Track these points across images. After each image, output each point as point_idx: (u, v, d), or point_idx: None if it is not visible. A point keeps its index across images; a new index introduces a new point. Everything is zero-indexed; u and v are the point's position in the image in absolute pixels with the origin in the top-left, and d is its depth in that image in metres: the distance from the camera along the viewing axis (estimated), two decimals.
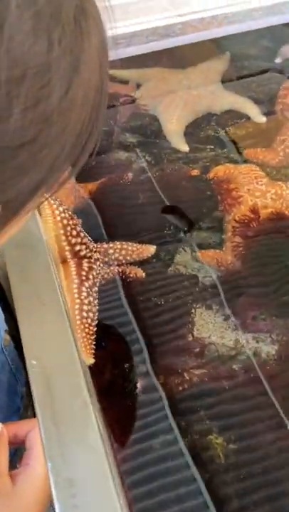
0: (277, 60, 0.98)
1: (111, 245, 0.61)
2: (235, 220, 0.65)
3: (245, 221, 0.65)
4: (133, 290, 0.61)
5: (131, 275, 0.62)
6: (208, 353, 0.59)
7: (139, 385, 0.51)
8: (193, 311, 0.62)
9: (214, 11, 0.70)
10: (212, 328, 0.62)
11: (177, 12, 0.69)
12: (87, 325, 0.48)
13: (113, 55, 0.66)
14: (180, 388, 0.55)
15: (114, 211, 0.67)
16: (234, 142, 0.83)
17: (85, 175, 0.76)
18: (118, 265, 0.62)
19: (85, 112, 0.25)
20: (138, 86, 0.89)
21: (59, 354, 0.42)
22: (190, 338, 0.60)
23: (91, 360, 0.47)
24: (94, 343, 0.48)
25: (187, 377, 0.56)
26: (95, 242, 0.62)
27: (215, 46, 0.97)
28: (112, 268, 0.61)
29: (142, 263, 0.63)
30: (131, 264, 0.63)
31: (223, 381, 0.55)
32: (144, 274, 0.62)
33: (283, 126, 0.83)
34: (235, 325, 0.63)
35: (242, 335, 0.62)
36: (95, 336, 0.48)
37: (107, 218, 0.66)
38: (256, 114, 0.85)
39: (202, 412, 0.53)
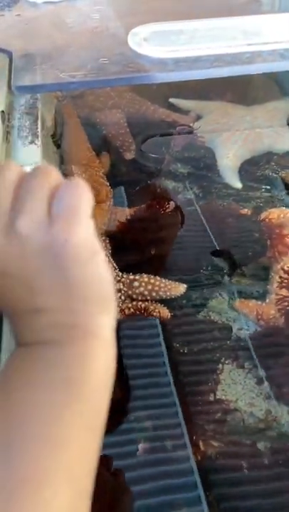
0: None
1: (137, 277, 0.54)
2: (283, 270, 0.57)
3: None
4: (154, 331, 0.53)
5: (154, 314, 0.54)
6: (231, 421, 0.50)
7: (140, 447, 0.43)
8: (220, 366, 0.53)
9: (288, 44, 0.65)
10: (241, 391, 0.53)
11: (249, 41, 0.64)
12: None
13: (173, 76, 0.62)
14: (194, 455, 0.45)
15: (148, 241, 0.61)
16: None
17: (126, 199, 0.71)
18: (142, 301, 0.55)
19: None
20: (198, 117, 0.85)
21: None
22: (212, 399, 0.51)
23: None
24: None
25: (202, 448, 0.46)
26: (121, 271, 0.55)
27: (279, 87, 0.92)
28: (134, 303, 0.54)
29: (169, 302, 0.56)
30: (157, 301, 0.55)
31: (243, 461, 0.45)
32: (169, 315, 0.55)
33: None
34: (269, 392, 0.53)
35: (276, 406, 0.52)
36: None
37: (138, 248, 0.60)
38: None
39: (212, 492, 0.43)
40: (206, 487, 0.43)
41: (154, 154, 0.78)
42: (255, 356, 0.56)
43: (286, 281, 0.56)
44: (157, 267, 0.61)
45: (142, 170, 0.75)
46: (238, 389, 0.53)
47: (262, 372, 0.55)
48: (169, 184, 0.74)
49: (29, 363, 0.27)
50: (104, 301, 0.29)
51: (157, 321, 0.53)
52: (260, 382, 0.54)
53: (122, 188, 0.72)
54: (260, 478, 0.45)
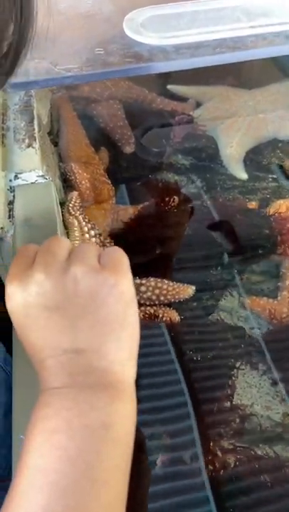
0: None
1: (144, 282, 0.52)
2: None
3: None
4: (164, 337, 0.51)
5: (164, 319, 0.52)
6: (248, 426, 0.49)
7: (159, 460, 0.42)
8: (235, 370, 0.52)
9: None
10: (256, 394, 0.52)
11: (252, 23, 0.61)
12: None
13: (175, 65, 0.59)
14: (209, 468, 0.44)
15: (154, 240, 0.58)
16: None
17: (128, 196, 0.69)
18: (150, 305, 0.53)
19: None
20: (198, 104, 0.81)
21: None
22: (228, 404, 0.50)
23: None
24: None
25: (219, 456, 0.45)
26: None
27: (286, 68, 0.88)
28: (142, 308, 0.52)
29: (179, 305, 0.54)
30: (165, 305, 0.54)
31: (260, 467, 0.44)
32: (178, 318, 0.53)
33: None
34: (285, 394, 0.52)
35: None
36: None
37: (144, 248, 0.58)
38: None
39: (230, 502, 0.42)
40: (224, 498, 0.42)
41: (154, 147, 0.75)
42: (268, 357, 0.54)
43: None
44: (165, 266, 0.59)
45: (143, 164, 0.72)
46: (254, 392, 0.52)
47: (276, 374, 0.53)
48: (172, 178, 0.72)
49: (63, 408, 0.28)
50: (133, 348, 0.31)
51: (164, 328, 0.51)
52: (275, 383, 0.53)
53: (124, 184, 0.70)
54: (280, 484, 0.44)
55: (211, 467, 0.43)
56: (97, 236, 0.49)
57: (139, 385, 0.47)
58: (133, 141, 0.72)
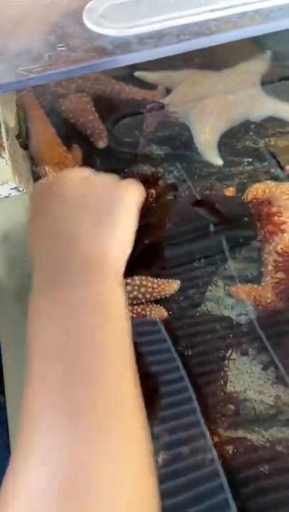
0: None
1: (128, 281, 0.52)
2: (277, 253, 0.56)
3: None
4: (153, 334, 0.52)
5: (152, 316, 0.53)
6: (243, 412, 0.50)
7: (160, 458, 0.43)
8: (226, 361, 0.53)
9: (258, 5, 0.60)
10: (248, 379, 0.53)
11: (213, 6, 0.59)
12: None
13: (139, 57, 0.57)
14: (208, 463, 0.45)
15: (139, 233, 0.58)
16: (275, 155, 0.72)
17: None
18: (138, 304, 0.53)
19: None
20: (167, 91, 0.80)
21: None
22: (222, 394, 0.51)
23: None
24: None
25: (220, 447, 0.46)
26: None
27: (253, 44, 0.87)
28: (130, 308, 0.52)
29: (166, 301, 0.55)
30: (152, 302, 0.54)
31: (259, 454, 0.45)
32: (165, 314, 0.53)
33: None
34: (276, 376, 0.53)
35: (284, 389, 0.52)
36: None
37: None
38: None
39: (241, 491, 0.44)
40: (235, 486, 0.43)
41: (127, 138, 0.74)
42: (257, 342, 0.55)
43: (281, 264, 0.55)
44: (157, 255, 0.59)
45: (118, 157, 0.71)
46: (246, 377, 0.53)
47: (266, 357, 0.54)
48: (148, 170, 0.71)
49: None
50: (126, 248, 0.39)
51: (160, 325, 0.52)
52: (265, 367, 0.54)
53: None
54: (281, 466, 0.46)
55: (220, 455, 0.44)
56: None
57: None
58: (105, 134, 0.71)
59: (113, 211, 0.38)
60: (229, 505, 0.40)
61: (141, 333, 0.52)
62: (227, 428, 0.47)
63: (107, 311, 0.32)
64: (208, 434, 0.46)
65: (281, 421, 0.50)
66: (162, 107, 0.77)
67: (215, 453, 0.45)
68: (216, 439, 0.46)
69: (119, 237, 0.38)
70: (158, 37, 0.59)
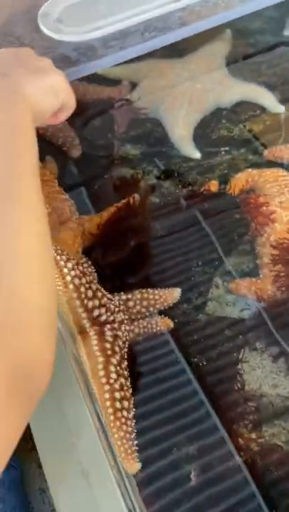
0: (287, 32, 0.85)
1: (129, 296, 0.52)
2: (272, 246, 0.56)
3: (284, 245, 0.55)
4: (164, 347, 0.52)
5: (158, 328, 0.52)
6: (262, 408, 0.51)
7: (192, 475, 0.43)
8: (240, 364, 0.53)
9: None
10: (261, 374, 0.54)
11: None
12: (123, 420, 0.39)
13: (106, 63, 0.55)
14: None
15: (130, 249, 0.57)
16: (251, 141, 0.72)
17: (89, 201, 0.66)
18: (142, 318, 0.52)
19: None
20: (133, 85, 0.77)
21: None
22: (239, 396, 0.51)
23: (136, 467, 0.38)
24: (135, 442, 0.39)
25: (248, 451, 0.47)
26: (111, 292, 0.52)
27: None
28: (135, 323, 0.51)
29: (171, 309, 0.54)
30: (156, 313, 0.53)
31: (282, 449, 0.47)
32: (172, 324, 0.53)
33: None
34: (288, 367, 0.54)
35: None
36: (135, 431, 0.40)
37: (122, 260, 0.57)
38: (272, 104, 0.74)
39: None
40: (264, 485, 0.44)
41: (100, 141, 0.72)
42: (263, 335, 0.56)
43: (278, 257, 0.55)
44: (146, 256, 0.58)
45: (95, 163, 0.69)
46: (258, 373, 0.54)
47: (274, 349, 0.55)
48: (127, 172, 0.69)
49: None
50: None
51: (169, 337, 0.52)
52: (275, 359, 0.55)
53: (81, 188, 0.67)
54: None
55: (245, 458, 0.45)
56: (76, 268, 0.47)
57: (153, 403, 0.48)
58: (78, 142, 0.68)
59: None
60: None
61: (149, 349, 0.51)
62: (251, 429, 0.48)
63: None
64: (228, 439, 0.47)
65: None
66: (130, 104, 0.75)
67: (238, 458, 0.45)
68: (241, 441, 0.47)
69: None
70: (123, 37, 0.56)
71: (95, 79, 0.78)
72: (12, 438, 0.27)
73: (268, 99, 0.74)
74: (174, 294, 0.53)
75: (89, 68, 0.54)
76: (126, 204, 0.62)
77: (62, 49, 0.55)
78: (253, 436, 0.48)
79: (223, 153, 0.71)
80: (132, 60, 0.82)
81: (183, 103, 0.73)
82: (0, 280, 0.27)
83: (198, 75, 0.77)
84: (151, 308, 0.52)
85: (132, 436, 0.39)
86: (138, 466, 0.38)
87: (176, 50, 0.82)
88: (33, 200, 0.32)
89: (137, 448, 0.39)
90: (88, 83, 0.76)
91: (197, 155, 0.70)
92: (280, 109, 0.74)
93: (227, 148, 0.71)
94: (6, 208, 0.30)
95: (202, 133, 0.72)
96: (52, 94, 0.44)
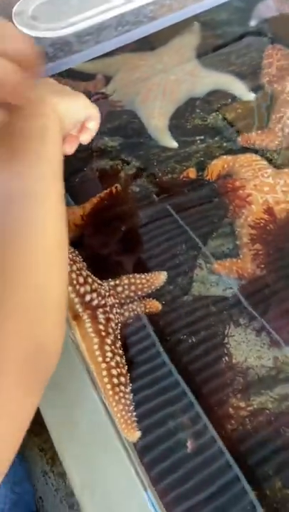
0: (252, 23, 0.88)
1: (118, 282, 0.54)
2: (250, 226, 0.59)
3: (261, 225, 0.59)
4: (154, 327, 0.54)
5: (147, 310, 0.55)
6: (250, 379, 0.54)
7: (189, 444, 0.46)
8: (226, 339, 0.56)
9: None
10: (246, 348, 0.57)
11: None
12: (121, 394, 0.42)
13: (82, 57, 0.56)
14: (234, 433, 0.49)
15: (116, 238, 0.59)
16: (225, 128, 0.75)
17: (70, 195, 0.68)
18: (131, 302, 0.55)
19: None
20: (107, 79, 0.79)
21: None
22: (227, 368, 0.54)
23: (136, 435, 0.40)
24: (134, 413, 0.42)
25: (238, 418, 0.50)
26: (100, 279, 0.54)
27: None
28: (125, 307, 0.54)
29: (158, 292, 0.57)
30: (145, 297, 0.56)
31: (270, 413, 0.50)
32: (160, 306, 0.56)
33: (275, 102, 0.75)
34: (271, 340, 0.57)
35: (279, 351, 0.57)
36: (133, 403, 0.42)
37: (108, 247, 0.59)
38: (243, 92, 0.77)
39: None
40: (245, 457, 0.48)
41: None
42: (246, 310, 0.59)
43: (255, 236, 0.58)
44: (136, 240, 0.60)
45: (75, 157, 0.70)
46: (244, 347, 0.57)
47: (257, 323, 0.59)
48: (106, 164, 0.71)
49: None
50: None
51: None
52: (258, 333, 0.58)
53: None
54: None
55: (224, 431, 0.48)
56: None
57: (138, 384, 0.50)
58: None
59: None
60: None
61: (141, 328, 0.54)
62: (240, 398, 0.51)
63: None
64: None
65: (282, 379, 0.55)
66: (106, 97, 0.77)
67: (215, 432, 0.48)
68: (231, 410, 0.50)
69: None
70: (97, 32, 0.58)
71: (69, 74, 0.79)
72: (25, 418, 0.28)
73: (239, 88, 0.77)
74: (161, 277, 0.56)
75: (66, 63, 0.56)
76: (109, 194, 0.64)
77: (38, 45, 0.56)
78: (243, 404, 0.51)
79: (198, 141, 0.73)
80: (105, 55, 0.84)
81: (157, 95, 0.75)
82: (27, 273, 0.29)
83: (170, 67, 0.79)
84: (139, 292, 0.55)
85: (131, 408, 0.41)
86: (138, 434, 0.41)
87: (147, 43, 0.84)
88: (55, 200, 0.34)
89: (136, 419, 0.41)
90: (62, 78, 0.78)
91: (174, 144, 0.72)
92: (251, 96, 0.77)
93: (202, 137, 0.74)
94: (32, 208, 0.31)
95: (177, 123, 0.75)
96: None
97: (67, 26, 0.57)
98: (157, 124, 0.73)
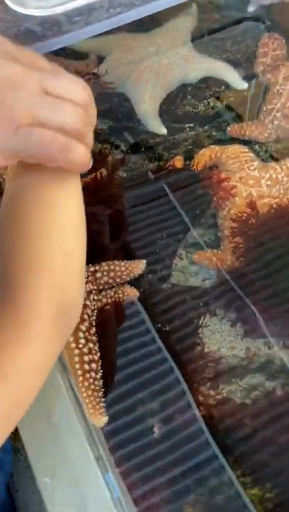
0: (250, 9, 0.86)
1: (97, 268, 0.54)
2: (232, 220, 0.59)
3: (243, 218, 0.59)
4: (131, 314, 0.55)
5: (124, 297, 0.56)
6: (221, 368, 0.56)
7: (155, 428, 0.47)
8: (197, 323, 0.57)
9: None
10: (220, 338, 0.58)
11: None
12: (91, 380, 0.43)
13: (72, 38, 0.55)
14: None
15: (97, 224, 0.60)
16: (215, 117, 0.74)
17: None
18: (109, 288, 0.56)
19: None
20: (100, 59, 0.78)
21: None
22: (199, 357, 0.56)
23: (103, 420, 0.42)
24: (102, 399, 0.43)
25: (206, 406, 0.52)
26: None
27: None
28: (103, 293, 0.54)
29: (137, 280, 0.57)
30: (123, 283, 0.57)
31: (242, 400, 0.52)
32: (137, 293, 0.56)
33: (268, 93, 0.74)
34: (245, 331, 0.59)
35: (252, 341, 0.58)
36: (102, 389, 0.43)
37: (89, 234, 0.59)
38: (236, 80, 0.76)
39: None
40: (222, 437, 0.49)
41: None
42: (223, 302, 0.60)
43: (236, 230, 0.59)
44: (121, 224, 0.61)
45: None
46: (218, 337, 0.58)
47: (233, 315, 0.60)
48: (94, 147, 0.70)
49: None
50: None
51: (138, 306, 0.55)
52: (233, 324, 0.59)
53: None
54: (263, 409, 0.52)
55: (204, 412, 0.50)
56: None
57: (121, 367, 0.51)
58: None
59: None
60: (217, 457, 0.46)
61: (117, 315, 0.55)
62: (210, 386, 0.53)
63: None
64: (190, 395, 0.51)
65: (253, 369, 0.57)
66: (98, 77, 0.76)
67: (198, 412, 0.50)
68: (200, 398, 0.52)
69: None
70: (88, 13, 0.57)
71: (62, 52, 0.78)
72: (50, 360, 0.33)
73: (232, 76, 0.76)
74: (140, 265, 0.57)
75: (55, 43, 0.55)
76: (93, 179, 0.64)
77: (27, 23, 0.55)
78: (212, 392, 0.53)
79: (188, 129, 0.73)
80: (99, 34, 0.82)
81: (149, 78, 0.74)
82: (60, 241, 0.35)
83: (164, 50, 0.78)
84: (118, 279, 0.55)
85: (100, 394, 0.43)
86: (105, 419, 0.42)
87: (143, 24, 0.82)
88: (75, 183, 0.39)
89: (104, 404, 0.43)
90: (55, 56, 0.76)
91: (163, 131, 0.72)
92: (244, 85, 0.76)
93: (192, 125, 0.73)
94: (57, 193, 0.37)
95: (168, 109, 0.74)
96: None
97: (58, 5, 0.55)
98: (147, 108, 0.72)
